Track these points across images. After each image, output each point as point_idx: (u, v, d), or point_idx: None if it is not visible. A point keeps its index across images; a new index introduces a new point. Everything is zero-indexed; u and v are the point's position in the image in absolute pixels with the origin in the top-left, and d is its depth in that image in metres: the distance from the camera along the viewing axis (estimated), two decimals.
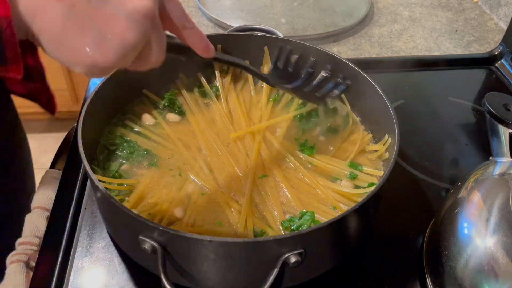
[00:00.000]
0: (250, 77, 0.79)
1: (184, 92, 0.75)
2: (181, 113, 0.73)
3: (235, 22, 0.99)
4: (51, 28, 0.37)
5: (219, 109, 0.73)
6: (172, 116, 0.72)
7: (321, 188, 0.62)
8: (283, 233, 0.57)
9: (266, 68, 0.77)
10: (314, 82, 0.69)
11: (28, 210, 0.67)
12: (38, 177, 0.74)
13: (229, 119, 0.72)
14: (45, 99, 0.64)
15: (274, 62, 0.69)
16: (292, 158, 0.66)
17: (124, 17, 0.38)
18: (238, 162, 0.65)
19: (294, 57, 0.76)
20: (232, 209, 0.60)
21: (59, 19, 0.37)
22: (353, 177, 0.63)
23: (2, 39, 0.37)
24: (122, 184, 0.61)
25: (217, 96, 0.75)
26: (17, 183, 0.82)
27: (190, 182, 0.63)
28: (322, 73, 0.69)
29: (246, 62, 0.65)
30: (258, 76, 0.66)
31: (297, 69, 0.70)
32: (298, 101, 0.75)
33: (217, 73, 0.77)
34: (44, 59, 0.53)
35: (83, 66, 0.39)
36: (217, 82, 0.77)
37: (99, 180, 0.53)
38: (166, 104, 0.73)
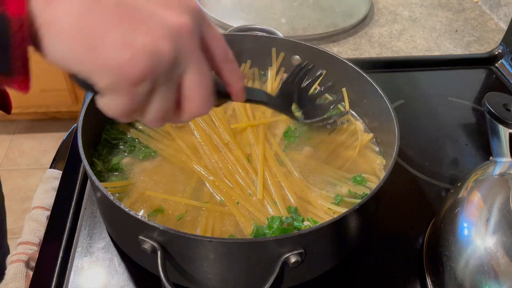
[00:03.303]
0: (256, 74, 0.79)
1: None
2: None
3: (235, 22, 0.99)
4: (68, 16, 0.29)
5: (219, 109, 0.73)
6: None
7: (315, 201, 0.61)
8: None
9: (271, 73, 0.77)
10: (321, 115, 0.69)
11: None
12: (38, 177, 0.74)
13: (233, 118, 0.72)
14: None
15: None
16: (289, 164, 0.66)
17: (159, 26, 0.32)
18: (237, 161, 0.65)
19: (295, 58, 0.76)
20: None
21: (80, 8, 0.30)
22: (358, 183, 0.63)
23: (10, 45, 0.30)
24: (121, 186, 0.61)
25: None
26: None
27: (189, 179, 0.62)
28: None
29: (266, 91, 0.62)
30: (287, 114, 0.64)
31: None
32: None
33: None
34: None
35: (104, 72, 0.30)
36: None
37: (99, 181, 0.53)
38: None
